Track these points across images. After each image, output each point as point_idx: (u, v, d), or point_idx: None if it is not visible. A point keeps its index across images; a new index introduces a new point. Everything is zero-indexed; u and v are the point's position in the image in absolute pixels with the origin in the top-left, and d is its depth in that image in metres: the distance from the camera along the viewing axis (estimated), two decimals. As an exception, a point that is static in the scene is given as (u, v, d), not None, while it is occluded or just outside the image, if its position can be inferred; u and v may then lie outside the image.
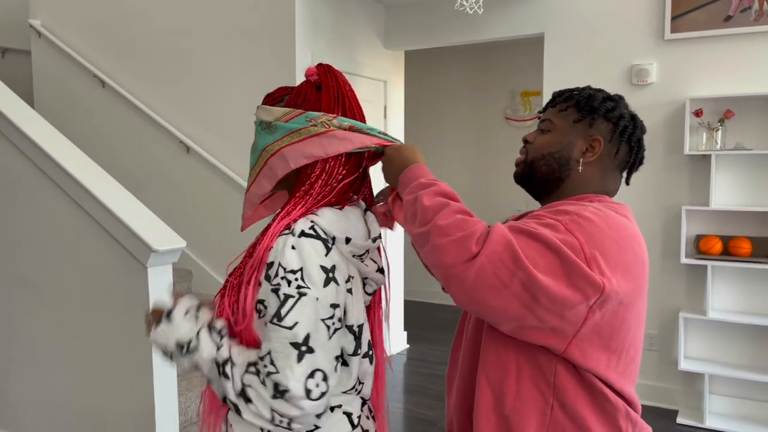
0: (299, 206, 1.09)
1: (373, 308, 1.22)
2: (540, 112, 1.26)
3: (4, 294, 2.69)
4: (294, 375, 0.97)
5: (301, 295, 0.99)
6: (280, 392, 0.98)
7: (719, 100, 3.47)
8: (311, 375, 0.99)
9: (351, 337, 1.09)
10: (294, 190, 1.13)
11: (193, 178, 3.99)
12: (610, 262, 0.99)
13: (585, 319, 0.98)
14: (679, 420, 3.50)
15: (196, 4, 3.95)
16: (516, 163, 1.24)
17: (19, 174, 2.56)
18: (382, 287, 1.24)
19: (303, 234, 1.03)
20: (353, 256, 1.09)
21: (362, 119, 1.17)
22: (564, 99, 1.20)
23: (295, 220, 1.06)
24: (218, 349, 1.05)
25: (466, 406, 1.19)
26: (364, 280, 1.16)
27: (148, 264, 2.27)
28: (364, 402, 1.18)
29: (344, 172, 1.12)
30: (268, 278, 1.02)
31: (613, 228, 1.03)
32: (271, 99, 1.18)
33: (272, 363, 0.98)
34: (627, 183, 1.24)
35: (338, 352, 1.05)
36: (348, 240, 1.08)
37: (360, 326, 1.10)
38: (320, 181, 1.10)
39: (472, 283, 0.94)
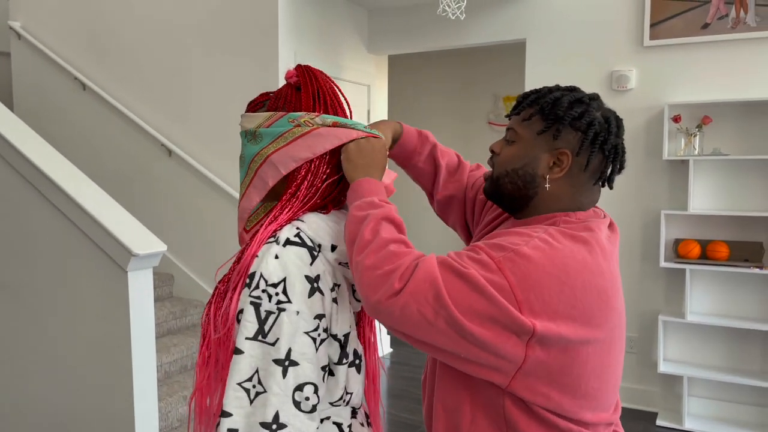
0: (286, 210, 1.06)
1: (364, 313, 1.19)
2: (507, 116, 1.14)
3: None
4: (282, 390, 0.96)
5: (281, 310, 0.97)
6: (275, 417, 0.95)
7: (697, 106, 3.53)
8: (299, 388, 0.97)
9: (336, 345, 1.07)
10: (281, 194, 1.11)
11: (174, 182, 3.97)
12: (548, 302, 0.91)
13: (525, 357, 0.92)
14: (659, 422, 3.53)
15: (178, 7, 3.94)
16: (484, 178, 1.15)
17: (-3, 177, 2.53)
18: None
19: (288, 242, 1.01)
20: (339, 263, 1.07)
21: (345, 116, 1.14)
22: (528, 104, 1.08)
23: (281, 226, 1.04)
24: None
25: (430, 421, 1.18)
26: (353, 287, 1.13)
27: (128, 268, 2.25)
28: (354, 411, 1.15)
29: (328, 171, 1.10)
30: (248, 286, 0.99)
31: (558, 264, 0.93)
32: (253, 105, 1.16)
33: (260, 382, 0.96)
34: (610, 188, 1.11)
35: (325, 362, 1.03)
36: (334, 247, 1.05)
37: (346, 335, 1.07)
38: (306, 182, 1.08)
39: (398, 318, 0.93)
